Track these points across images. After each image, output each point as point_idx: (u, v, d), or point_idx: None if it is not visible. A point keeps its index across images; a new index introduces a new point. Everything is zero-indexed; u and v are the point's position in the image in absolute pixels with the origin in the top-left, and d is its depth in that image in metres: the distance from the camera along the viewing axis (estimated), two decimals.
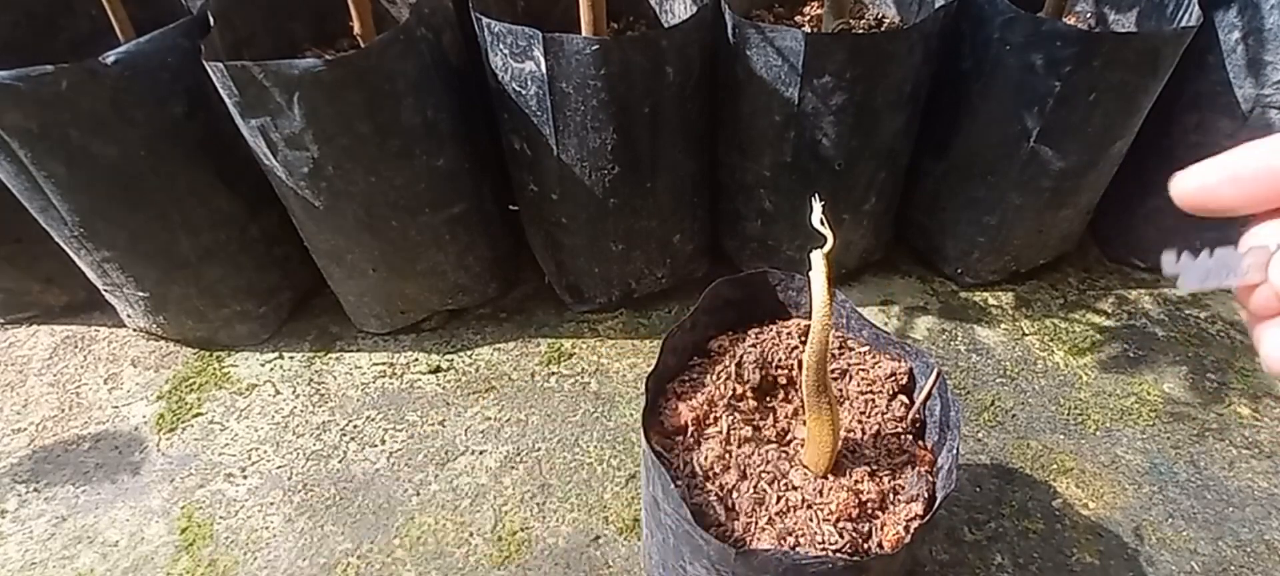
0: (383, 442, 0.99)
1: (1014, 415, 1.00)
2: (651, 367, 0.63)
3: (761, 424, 0.64)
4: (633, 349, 1.10)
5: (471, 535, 0.88)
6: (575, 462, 0.95)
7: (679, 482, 0.59)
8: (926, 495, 0.58)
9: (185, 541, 0.89)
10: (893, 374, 0.67)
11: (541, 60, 0.83)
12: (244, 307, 1.08)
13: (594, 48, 0.81)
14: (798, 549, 0.54)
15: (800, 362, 0.66)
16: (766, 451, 0.61)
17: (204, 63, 0.80)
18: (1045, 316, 1.13)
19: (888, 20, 1.08)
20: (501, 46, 0.86)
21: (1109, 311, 1.14)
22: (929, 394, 0.63)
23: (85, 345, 1.14)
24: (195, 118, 0.90)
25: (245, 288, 1.06)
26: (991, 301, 1.16)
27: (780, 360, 0.67)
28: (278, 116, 0.82)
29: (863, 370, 0.68)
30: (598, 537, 0.88)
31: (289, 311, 1.15)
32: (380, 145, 0.87)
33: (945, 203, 1.11)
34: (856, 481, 0.59)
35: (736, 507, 0.58)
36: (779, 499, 0.57)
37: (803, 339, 0.69)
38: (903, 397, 0.66)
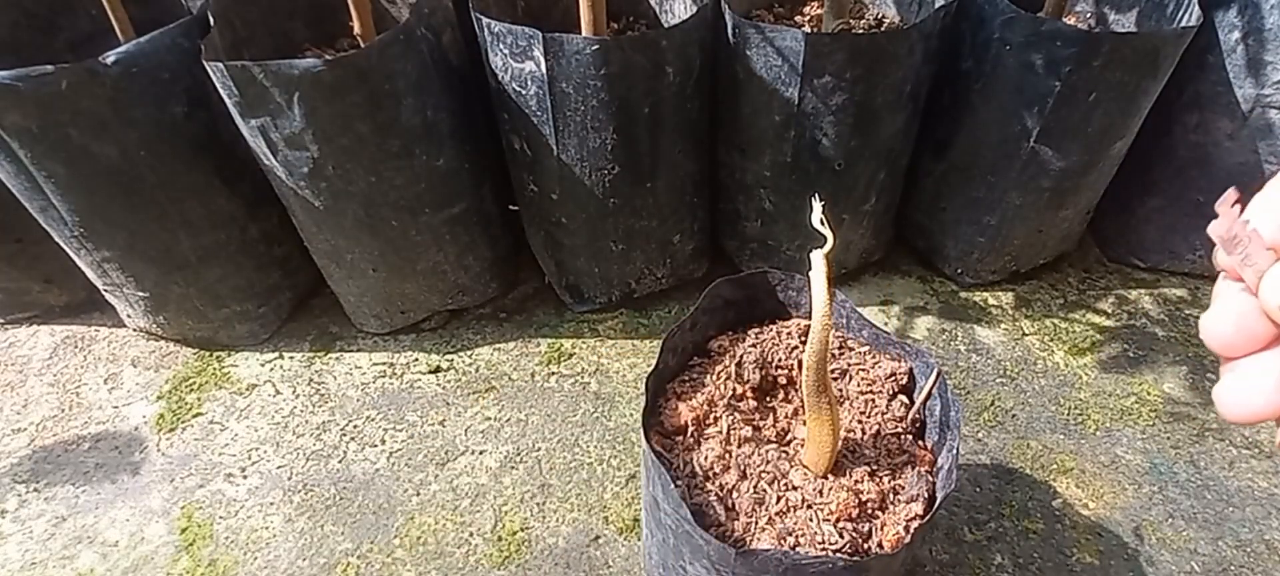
0: (383, 442, 0.99)
1: (1014, 415, 1.00)
2: (651, 367, 0.63)
3: (761, 424, 0.64)
4: (633, 349, 1.10)
5: (471, 535, 0.88)
6: (575, 462, 0.95)
7: (679, 482, 0.59)
8: (926, 495, 0.58)
9: (185, 541, 0.89)
10: (893, 374, 0.67)
11: (541, 60, 0.83)
12: (244, 308, 1.08)
13: (594, 48, 0.81)
14: (798, 549, 0.54)
15: (800, 363, 0.66)
16: (766, 451, 0.61)
17: (204, 63, 0.80)
18: (1045, 316, 1.13)
19: (888, 20, 1.08)
20: (501, 46, 0.86)
21: (1109, 311, 1.14)
22: (929, 394, 0.63)
23: (85, 345, 1.14)
24: (195, 118, 0.90)
25: (245, 287, 1.06)
26: (991, 301, 1.16)
27: (780, 360, 0.67)
28: (278, 116, 0.82)
29: (863, 370, 0.68)
30: (598, 537, 0.88)
31: (289, 311, 1.15)
32: (380, 145, 0.87)
33: (945, 203, 1.11)
34: (856, 481, 0.59)
35: (736, 507, 0.58)
36: (779, 499, 0.57)
37: (803, 339, 0.69)
38: (903, 397, 0.66)
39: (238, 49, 0.94)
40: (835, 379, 0.68)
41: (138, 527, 0.91)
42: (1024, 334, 1.11)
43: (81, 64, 0.80)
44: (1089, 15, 1.06)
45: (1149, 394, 1.02)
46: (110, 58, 0.81)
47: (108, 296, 1.07)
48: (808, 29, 0.97)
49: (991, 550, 0.86)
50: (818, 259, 0.46)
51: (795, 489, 0.58)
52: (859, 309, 0.71)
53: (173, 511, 0.92)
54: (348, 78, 0.80)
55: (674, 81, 0.88)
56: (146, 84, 0.85)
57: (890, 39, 0.86)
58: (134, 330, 1.14)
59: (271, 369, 1.09)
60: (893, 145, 1.00)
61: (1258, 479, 0.92)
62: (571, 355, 1.09)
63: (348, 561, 0.87)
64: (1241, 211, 0.25)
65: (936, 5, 0.91)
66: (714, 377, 0.66)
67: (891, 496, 0.59)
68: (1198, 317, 1.18)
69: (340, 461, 0.97)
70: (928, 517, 0.55)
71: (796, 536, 0.55)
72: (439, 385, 1.06)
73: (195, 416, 1.03)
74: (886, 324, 1.13)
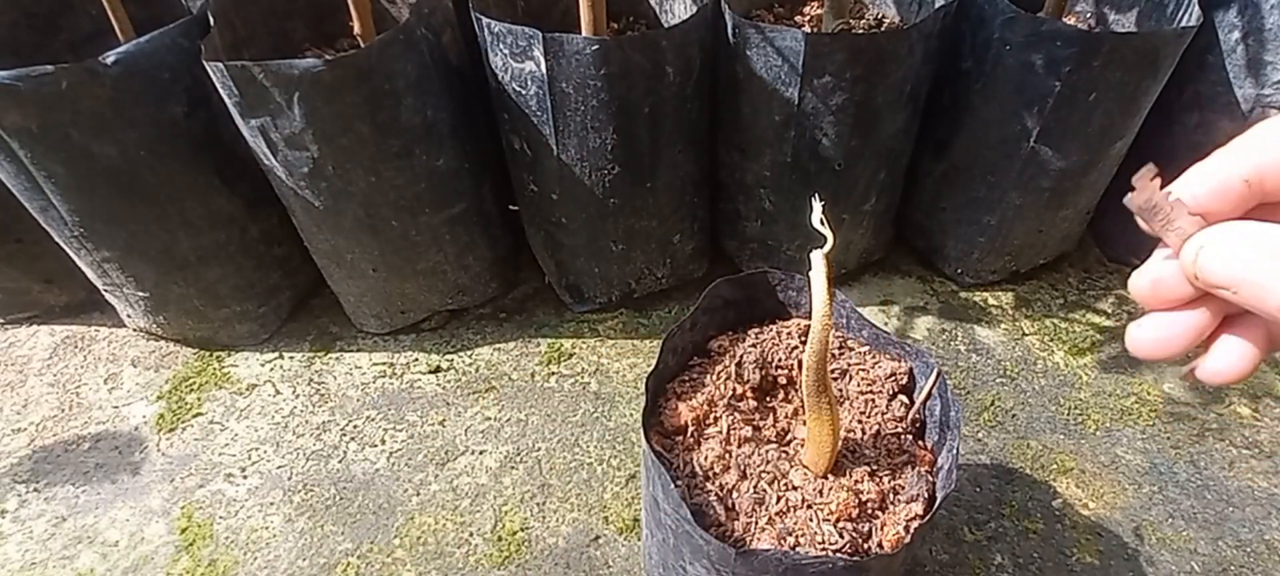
0: (383, 442, 0.99)
1: (1014, 415, 1.00)
2: (651, 367, 0.63)
3: (761, 424, 0.64)
4: (633, 349, 1.10)
5: (471, 535, 0.88)
6: (575, 462, 0.95)
7: (679, 482, 0.59)
8: (926, 495, 0.58)
9: (185, 541, 0.89)
10: (893, 374, 0.67)
11: (541, 60, 0.83)
12: (244, 307, 1.08)
13: (594, 48, 0.81)
14: (798, 549, 0.54)
15: (800, 363, 0.66)
16: (766, 451, 0.61)
17: (204, 63, 0.80)
18: (1045, 316, 1.13)
19: (888, 20, 1.08)
20: (501, 46, 0.86)
21: (1109, 311, 1.14)
22: (929, 394, 0.63)
23: (85, 345, 1.14)
24: (195, 118, 0.90)
25: (245, 287, 1.06)
26: (991, 301, 1.16)
27: (780, 360, 0.67)
28: (278, 116, 0.82)
29: (863, 370, 0.68)
30: (598, 537, 0.88)
31: (289, 311, 1.15)
32: (380, 145, 0.87)
33: (945, 202, 1.11)
34: (856, 481, 0.59)
35: (736, 507, 0.58)
36: (779, 499, 0.57)
37: (803, 339, 0.69)
38: (903, 397, 0.66)
39: (238, 49, 0.94)
40: (835, 379, 0.68)
41: (138, 527, 0.91)
42: (1024, 334, 1.11)
43: (81, 64, 0.80)
44: (1089, 15, 1.06)
45: (1149, 394, 1.02)
46: (110, 58, 0.81)
47: (108, 296, 1.07)
48: (808, 29, 0.97)
49: (991, 550, 0.86)
50: (818, 259, 0.46)
51: (795, 489, 0.58)
52: (859, 309, 0.71)
53: (173, 511, 0.92)
54: (348, 78, 0.80)
55: (674, 81, 0.88)
56: (146, 84, 0.85)
57: (890, 39, 0.86)
58: (134, 330, 1.14)
59: (271, 369, 1.09)
60: (893, 145, 1.00)
61: (1258, 479, 0.92)
62: (571, 355, 1.09)
63: (348, 561, 0.87)
64: (1162, 186, 0.29)
65: (936, 5, 0.91)
66: (714, 378, 0.66)
67: (891, 496, 0.59)
68: None
69: (340, 461, 0.97)
70: (928, 517, 0.55)
71: (796, 536, 0.55)
72: (439, 385, 1.06)
73: (195, 416, 1.03)
74: (886, 324, 1.13)
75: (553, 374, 1.06)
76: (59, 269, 1.08)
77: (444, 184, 0.97)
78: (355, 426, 1.01)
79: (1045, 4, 0.94)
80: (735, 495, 0.59)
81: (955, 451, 0.57)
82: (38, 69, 0.78)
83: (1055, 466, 0.93)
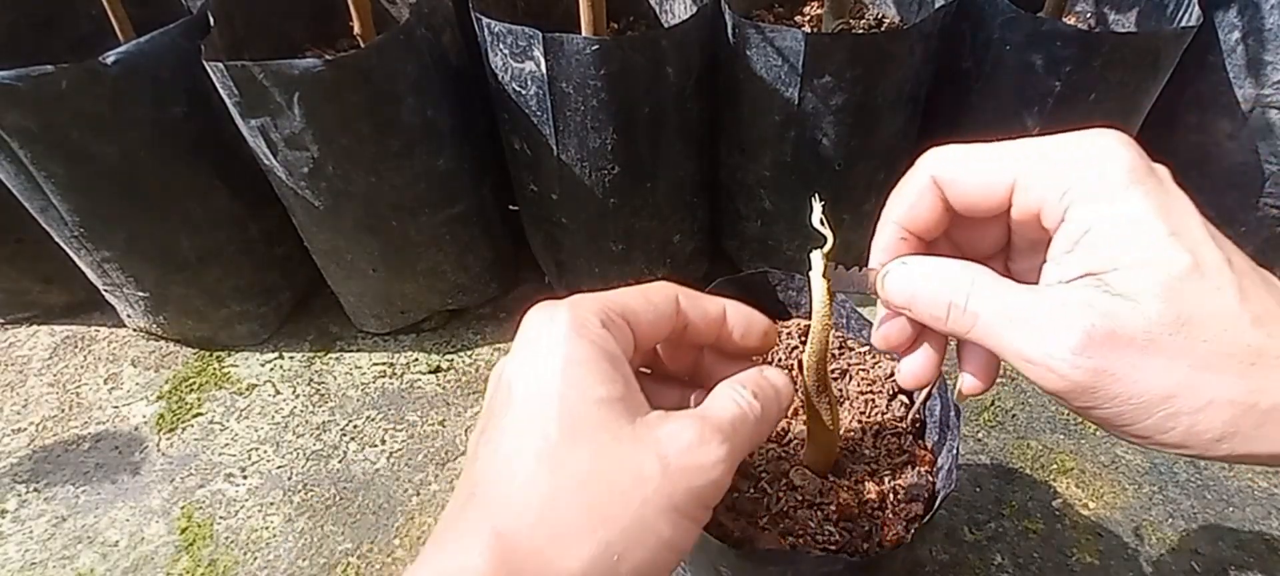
0: (383, 442, 0.99)
1: (1014, 415, 1.00)
2: None
3: None
4: None
5: None
6: None
7: None
8: (926, 495, 0.58)
9: (185, 541, 0.89)
10: (893, 374, 0.67)
11: (541, 60, 0.83)
12: (244, 307, 1.08)
13: (594, 48, 0.81)
14: (798, 548, 0.54)
15: (800, 362, 0.66)
16: (767, 451, 0.61)
17: (204, 63, 0.80)
18: None
19: (888, 20, 1.08)
20: (501, 46, 0.86)
21: None
22: (929, 394, 0.63)
23: (85, 345, 1.14)
24: (195, 118, 0.90)
25: (245, 287, 1.06)
26: None
27: (780, 360, 0.67)
28: (278, 116, 0.82)
29: (863, 370, 0.68)
30: None
31: (289, 311, 1.15)
32: (380, 145, 0.87)
33: None
34: (856, 481, 0.59)
35: (736, 507, 0.58)
36: (779, 499, 0.57)
37: (802, 339, 0.69)
38: (903, 397, 0.66)
39: (238, 49, 0.94)
40: (835, 379, 0.68)
41: (138, 527, 0.91)
42: None
43: (81, 64, 0.80)
44: (1089, 15, 1.06)
45: None
46: (110, 58, 0.81)
47: (108, 296, 1.07)
48: (808, 29, 0.97)
49: (991, 550, 0.86)
50: (818, 259, 0.46)
51: (795, 489, 0.58)
52: (859, 309, 0.71)
53: (173, 511, 0.92)
54: (348, 78, 0.80)
55: (674, 81, 0.88)
56: (146, 84, 0.85)
57: (890, 39, 0.86)
58: (134, 330, 1.14)
59: (271, 369, 1.09)
60: (893, 145, 1.00)
61: (1258, 479, 0.92)
62: None
63: (348, 561, 0.87)
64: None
65: (936, 5, 0.91)
66: None
67: (891, 496, 0.59)
68: None
69: (340, 461, 0.97)
70: (928, 517, 0.55)
71: (797, 536, 0.55)
72: (439, 385, 1.06)
73: (195, 416, 1.03)
74: None
75: None
76: (59, 269, 1.08)
77: (444, 184, 0.97)
78: (355, 426, 1.01)
79: (1045, 4, 0.94)
80: (735, 495, 0.59)
81: (955, 451, 0.57)
82: (38, 69, 0.78)
83: (1055, 466, 0.93)
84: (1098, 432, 0.97)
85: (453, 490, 0.93)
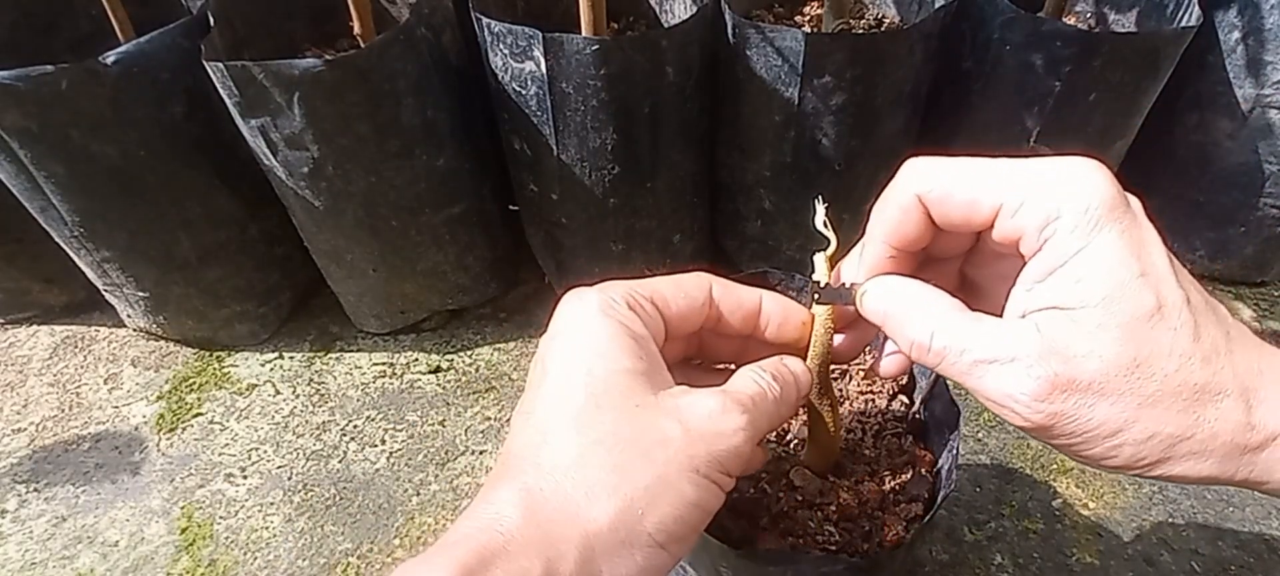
0: (383, 442, 0.99)
1: None
2: None
3: None
4: None
5: None
6: None
7: None
8: (926, 495, 0.58)
9: (185, 541, 0.89)
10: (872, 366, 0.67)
11: (541, 60, 0.83)
12: (244, 307, 1.08)
13: (594, 48, 0.81)
14: (798, 549, 0.54)
15: None
16: (766, 451, 0.61)
17: (204, 63, 0.80)
18: None
19: (888, 20, 1.08)
20: (501, 46, 0.86)
21: None
22: (929, 394, 0.63)
23: (85, 345, 1.14)
24: (195, 118, 0.90)
25: (245, 287, 1.06)
26: None
27: None
28: (278, 116, 0.82)
29: (863, 370, 0.68)
30: None
31: (289, 311, 1.15)
32: (380, 145, 0.87)
33: None
34: (857, 482, 0.59)
35: (737, 508, 0.58)
36: (780, 499, 0.57)
37: None
38: (903, 397, 0.66)
39: (238, 49, 0.94)
40: (835, 379, 0.68)
41: (138, 527, 0.91)
42: None
43: (81, 64, 0.80)
44: (1089, 15, 1.06)
45: None
46: (110, 58, 0.81)
47: (108, 296, 1.07)
48: (808, 29, 0.97)
49: (991, 550, 0.86)
50: (820, 261, 0.46)
51: (795, 489, 0.58)
52: None
53: (173, 511, 0.92)
54: (348, 78, 0.80)
55: (674, 81, 0.88)
56: (146, 84, 0.85)
57: (890, 39, 0.86)
58: (134, 330, 1.14)
59: (271, 369, 1.09)
60: (893, 145, 1.00)
61: None
62: None
63: (348, 561, 0.87)
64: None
65: (936, 5, 0.91)
66: None
67: (891, 496, 0.59)
68: None
69: (340, 461, 0.97)
70: (928, 517, 0.55)
71: (797, 536, 0.55)
72: (439, 385, 1.06)
73: (195, 416, 1.03)
74: None
75: None
76: (59, 269, 1.08)
77: (444, 184, 0.97)
78: (355, 426, 1.01)
79: (1045, 4, 0.94)
80: (735, 495, 0.59)
81: (955, 451, 0.57)
82: (38, 69, 0.78)
83: (1055, 466, 0.93)
84: None
85: (453, 490, 0.93)
